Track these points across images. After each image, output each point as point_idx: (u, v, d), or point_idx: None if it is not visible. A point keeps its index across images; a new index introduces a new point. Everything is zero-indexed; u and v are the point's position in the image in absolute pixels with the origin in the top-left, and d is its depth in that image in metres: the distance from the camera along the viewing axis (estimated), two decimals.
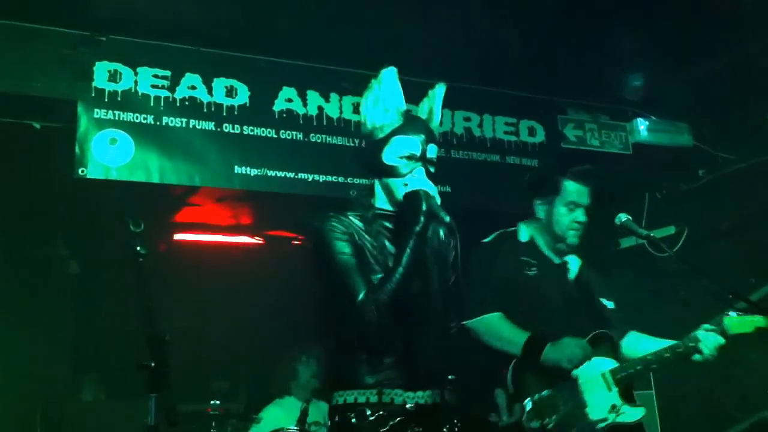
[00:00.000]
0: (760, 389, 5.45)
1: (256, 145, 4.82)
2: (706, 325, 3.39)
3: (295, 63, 5.01)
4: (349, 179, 5.01)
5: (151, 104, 4.60)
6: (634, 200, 6.12)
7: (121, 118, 4.52)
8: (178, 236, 6.78)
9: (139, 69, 4.61)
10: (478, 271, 3.59)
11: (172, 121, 4.64)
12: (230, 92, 4.80)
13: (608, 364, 3.47)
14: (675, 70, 5.42)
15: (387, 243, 2.70)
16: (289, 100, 4.94)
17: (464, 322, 3.46)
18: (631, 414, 3.40)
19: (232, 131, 4.77)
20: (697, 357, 3.38)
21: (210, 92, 4.75)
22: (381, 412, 2.57)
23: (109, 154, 4.46)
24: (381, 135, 2.75)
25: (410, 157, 2.70)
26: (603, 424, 3.33)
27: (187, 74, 4.71)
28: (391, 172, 2.70)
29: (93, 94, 4.48)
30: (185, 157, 4.66)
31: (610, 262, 6.01)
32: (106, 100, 4.50)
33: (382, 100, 2.80)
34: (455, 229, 2.63)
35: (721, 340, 3.34)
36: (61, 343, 5.98)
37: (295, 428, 4.77)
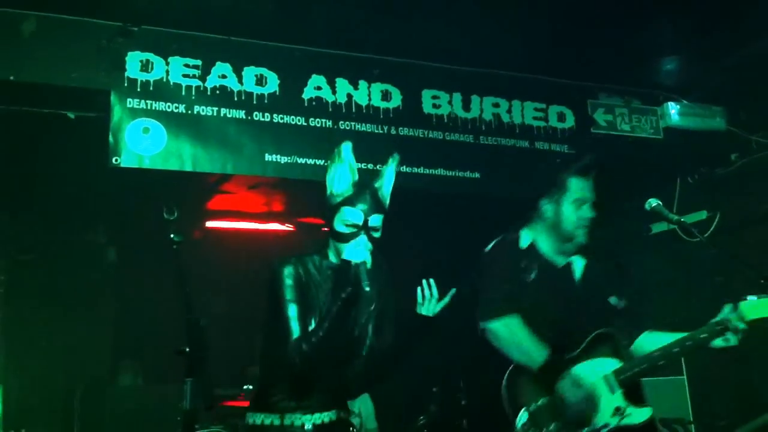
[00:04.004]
0: None
1: (287, 133, 4.86)
2: (722, 314, 3.29)
3: (323, 51, 5.03)
4: (378, 166, 5.02)
5: (183, 93, 4.66)
6: (666, 185, 6.08)
7: (153, 108, 4.58)
8: (211, 223, 6.87)
9: (170, 59, 4.66)
10: (487, 274, 3.60)
11: (203, 110, 4.69)
12: (260, 81, 4.84)
13: (611, 365, 3.37)
14: (708, 54, 5.37)
15: (329, 290, 3.14)
16: (318, 88, 4.97)
17: (484, 323, 3.48)
18: (638, 415, 3.30)
19: (262, 119, 4.82)
20: (719, 342, 3.28)
21: (240, 81, 4.80)
22: None
23: (143, 143, 4.53)
24: (334, 202, 3.19)
25: (353, 226, 3.12)
26: (606, 430, 3.26)
27: (218, 63, 4.76)
28: (338, 237, 3.15)
29: (126, 84, 4.54)
30: (217, 146, 4.71)
31: (624, 258, 5.96)
32: (138, 89, 4.56)
33: (338, 171, 3.22)
34: (375, 296, 3.16)
35: (740, 327, 3.23)
36: (99, 329, 6.09)
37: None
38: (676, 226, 3.89)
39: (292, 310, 3.07)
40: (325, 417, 3.16)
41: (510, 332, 3.43)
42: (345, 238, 3.13)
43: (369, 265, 3.05)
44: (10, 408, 4.56)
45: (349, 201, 3.17)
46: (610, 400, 3.31)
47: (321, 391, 3.15)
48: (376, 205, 3.18)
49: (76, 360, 5.63)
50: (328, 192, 3.23)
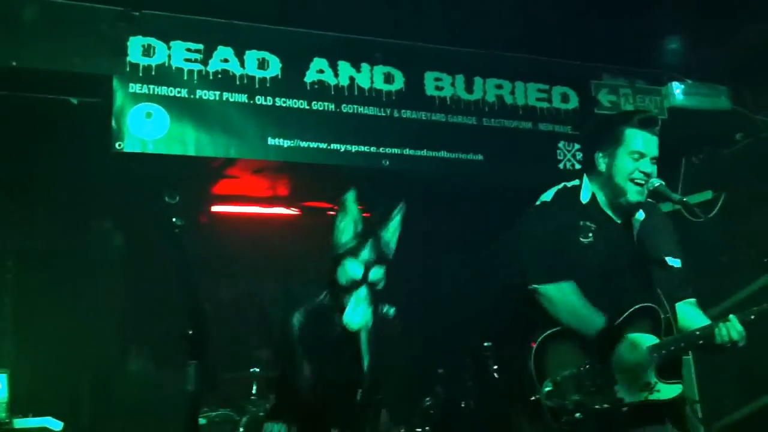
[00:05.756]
0: None
1: (289, 117, 4.86)
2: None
3: (325, 34, 5.02)
4: (381, 149, 5.04)
5: (185, 78, 4.66)
6: (671, 165, 6.05)
7: (155, 92, 4.58)
8: (216, 208, 6.87)
9: (172, 43, 4.66)
10: (540, 231, 3.45)
11: (205, 94, 4.69)
12: (262, 64, 4.84)
13: (647, 340, 3.27)
14: (713, 33, 5.33)
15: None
16: (321, 71, 4.96)
17: (535, 285, 3.36)
18: (667, 391, 3.24)
19: (264, 103, 4.82)
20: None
21: (242, 65, 4.79)
22: None
23: (145, 127, 4.54)
24: (338, 253, 3.23)
25: (352, 282, 3.17)
26: (629, 402, 3.18)
27: (220, 47, 4.75)
28: (340, 288, 3.19)
29: (128, 69, 4.54)
30: (220, 130, 4.72)
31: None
32: (140, 74, 4.56)
33: (343, 223, 3.24)
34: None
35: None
36: (107, 314, 6.10)
37: None
38: (679, 206, 3.85)
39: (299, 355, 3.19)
40: None
41: (564, 298, 3.31)
42: (346, 290, 3.18)
43: (368, 326, 3.14)
44: (17, 393, 4.59)
45: (352, 252, 3.21)
46: (642, 375, 3.24)
47: (330, 418, 3.22)
48: (379, 256, 3.22)
49: (83, 345, 5.64)
50: (334, 243, 3.28)
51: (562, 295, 3.33)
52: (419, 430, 5.57)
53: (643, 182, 3.40)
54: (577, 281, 3.35)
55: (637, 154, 3.40)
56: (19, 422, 4.30)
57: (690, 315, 3.46)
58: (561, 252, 3.39)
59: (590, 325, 3.27)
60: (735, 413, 5.68)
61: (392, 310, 3.32)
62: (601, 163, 3.47)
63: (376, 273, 3.21)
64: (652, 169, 3.41)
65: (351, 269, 3.18)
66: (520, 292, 3.44)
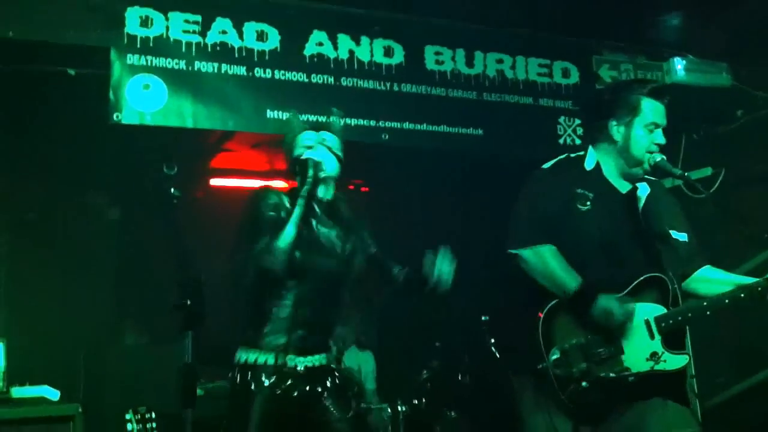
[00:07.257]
0: None
1: (288, 90, 4.84)
2: None
3: (325, 6, 4.98)
4: (380, 123, 5.02)
5: (183, 50, 4.62)
6: (671, 141, 6.02)
7: (153, 64, 4.54)
8: (214, 182, 6.87)
9: (170, 14, 4.61)
10: (529, 197, 3.43)
11: (204, 67, 4.66)
12: (261, 37, 4.80)
13: (654, 310, 3.25)
14: (714, 9, 5.30)
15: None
16: (320, 44, 4.93)
17: (513, 249, 3.35)
18: (673, 362, 3.21)
19: (263, 76, 4.78)
20: None
21: (241, 37, 4.75)
22: (275, 377, 3.06)
23: (143, 99, 4.50)
24: (292, 143, 3.38)
25: (308, 147, 3.30)
26: (636, 372, 3.17)
27: (218, 19, 4.71)
28: (297, 161, 3.27)
29: (125, 41, 4.50)
30: (218, 102, 4.69)
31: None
32: (138, 45, 4.52)
33: (292, 131, 3.41)
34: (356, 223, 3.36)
35: None
36: (103, 288, 6.11)
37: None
38: (680, 181, 3.81)
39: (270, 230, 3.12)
40: (315, 360, 3.18)
41: (540, 261, 3.30)
42: (305, 156, 3.25)
43: (327, 169, 3.22)
44: (15, 363, 4.60)
45: (300, 135, 3.37)
46: (648, 345, 3.22)
47: (310, 331, 3.16)
48: (327, 127, 3.39)
49: (79, 318, 5.65)
50: (286, 143, 3.43)
51: (539, 259, 3.31)
52: (415, 402, 5.60)
53: (657, 152, 3.39)
54: (573, 249, 3.31)
55: (653, 125, 3.37)
56: (16, 391, 4.31)
57: (714, 275, 3.44)
58: (549, 217, 3.35)
59: (565, 287, 3.24)
60: (730, 390, 5.71)
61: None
62: (616, 132, 3.40)
63: (328, 137, 3.34)
64: (664, 140, 3.41)
65: (306, 138, 3.32)
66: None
